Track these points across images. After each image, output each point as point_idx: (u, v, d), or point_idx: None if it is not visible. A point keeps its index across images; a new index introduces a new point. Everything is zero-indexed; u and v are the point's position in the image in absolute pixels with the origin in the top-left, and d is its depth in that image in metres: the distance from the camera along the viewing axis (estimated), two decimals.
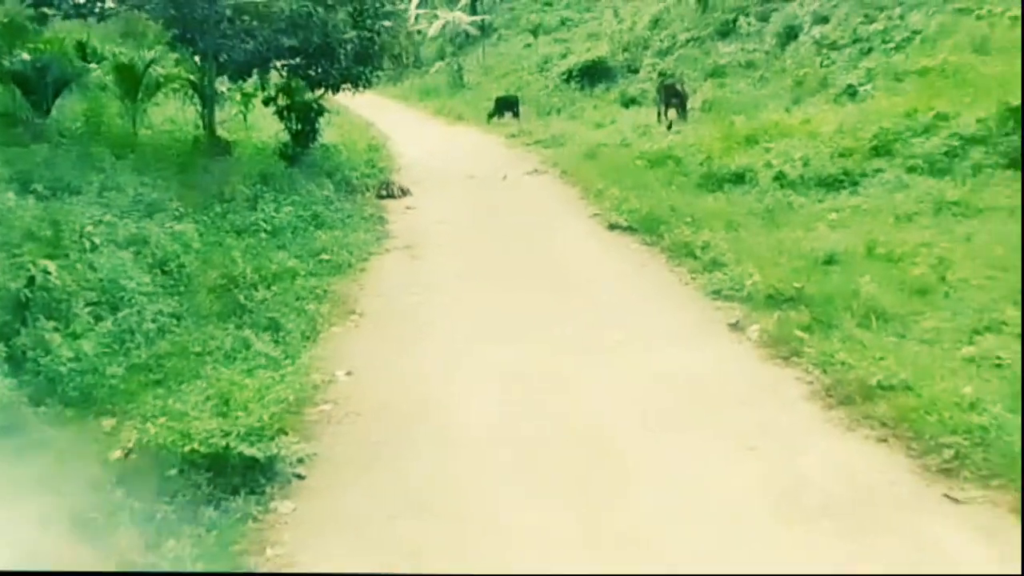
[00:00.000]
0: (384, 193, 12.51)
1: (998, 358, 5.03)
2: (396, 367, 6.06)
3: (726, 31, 20.14)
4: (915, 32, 14.91)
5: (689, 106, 15.34)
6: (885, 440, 4.43)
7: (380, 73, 19.77)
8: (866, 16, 16.32)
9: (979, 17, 14.14)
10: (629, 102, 18.93)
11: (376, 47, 14.38)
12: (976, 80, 10.84)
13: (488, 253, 9.12)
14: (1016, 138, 8.99)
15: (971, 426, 4.23)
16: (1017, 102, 9.30)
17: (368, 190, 12.60)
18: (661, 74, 18.68)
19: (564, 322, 6.66)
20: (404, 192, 12.57)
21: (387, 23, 14.75)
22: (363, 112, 24.08)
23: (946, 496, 3.91)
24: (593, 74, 22.02)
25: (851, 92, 13.29)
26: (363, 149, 16.54)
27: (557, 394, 5.35)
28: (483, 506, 4.11)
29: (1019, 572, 3.12)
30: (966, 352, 5.20)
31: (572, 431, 4.83)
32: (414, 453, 4.73)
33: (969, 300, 5.99)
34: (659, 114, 15.49)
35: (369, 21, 13.77)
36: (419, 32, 32.63)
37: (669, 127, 14.61)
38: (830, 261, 7.05)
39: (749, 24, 19.57)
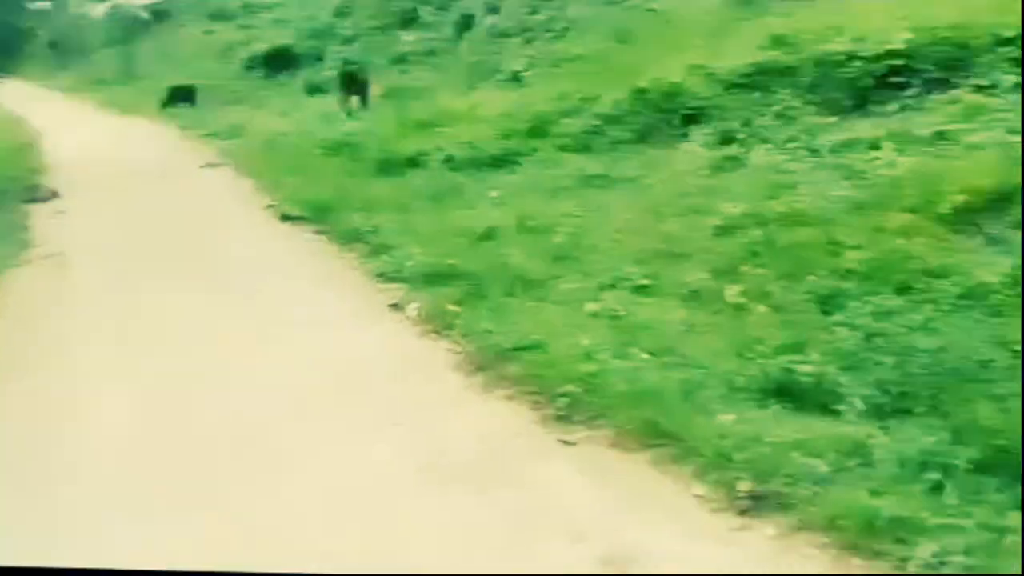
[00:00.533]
0: (30, 197, 11.11)
1: (614, 311, 5.66)
2: (26, 393, 5.40)
3: (409, 20, 20.55)
4: (572, 22, 16.33)
5: (371, 93, 15.42)
6: (514, 398, 4.78)
7: (34, 62, 17.55)
8: (532, 7, 17.55)
9: (624, 9, 15.85)
10: (314, 90, 18.63)
11: (19, 33, 12.74)
12: (616, 66, 12.05)
13: (148, 256, 8.43)
14: (644, 117, 10.19)
15: (583, 374, 4.71)
16: (644, 84, 10.55)
17: (10, 195, 11.10)
18: (345, 62, 18.57)
19: (224, 320, 6.38)
20: (54, 195, 11.24)
21: (40, 5, 13.14)
22: (16, 107, 21.34)
23: (560, 441, 4.32)
24: (278, 62, 21.37)
25: (516, 78, 14.21)
26: (8, 148, 14.59)
27: (210, 397, 5.10)
28: (113, 531, 3.78)
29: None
30: (590, 308, 5.78)
31: (224, 432, 4.63)
32: (37, 487, 4.23)
33: (598, 262, 6.66)
34: (341, 102, 15.40)
35: (9, 4, 12.13)
36: (84, 17, 29.38)
37: (349, 114, 14.59)
38: (486, 237, 7.47)
39: (430, 14, 20.16)
